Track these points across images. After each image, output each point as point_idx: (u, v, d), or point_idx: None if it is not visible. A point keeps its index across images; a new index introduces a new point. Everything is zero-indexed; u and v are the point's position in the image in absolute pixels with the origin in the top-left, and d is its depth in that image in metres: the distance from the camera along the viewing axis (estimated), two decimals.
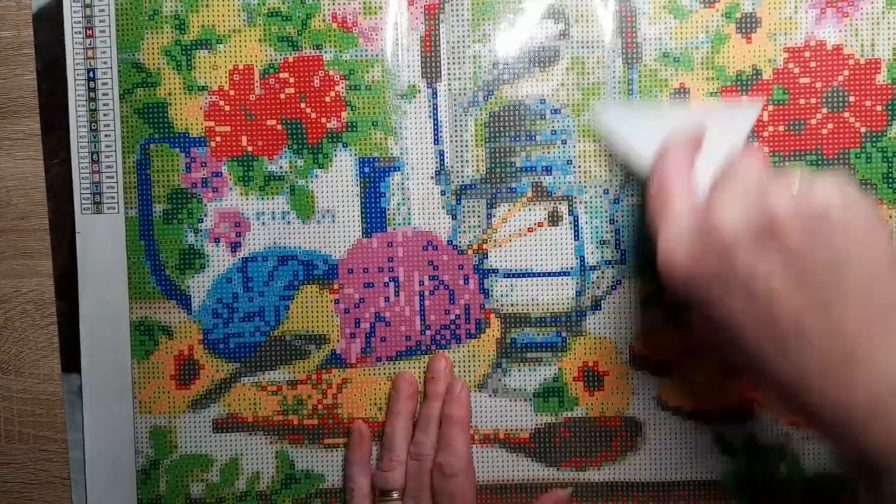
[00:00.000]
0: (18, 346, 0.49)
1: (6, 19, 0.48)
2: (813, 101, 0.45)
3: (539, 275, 0.47)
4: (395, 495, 0.45)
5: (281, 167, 0.47)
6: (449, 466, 0.44)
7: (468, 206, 0.47)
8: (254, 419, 0.47)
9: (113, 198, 0.47)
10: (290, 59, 0.46)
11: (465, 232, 0.47)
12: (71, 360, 0.48)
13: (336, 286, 0.47)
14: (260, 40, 0.46)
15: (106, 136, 0.47)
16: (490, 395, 0.47)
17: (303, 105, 0.46)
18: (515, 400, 0.47)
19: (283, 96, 0.46)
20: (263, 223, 0.47)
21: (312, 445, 0.47)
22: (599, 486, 0.47)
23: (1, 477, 0.49)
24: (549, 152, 0.46)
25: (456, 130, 0.46)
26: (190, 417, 0.47)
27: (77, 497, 0.48)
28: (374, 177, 0.47)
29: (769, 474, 0.46)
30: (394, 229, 0.47)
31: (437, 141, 0.47)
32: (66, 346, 0.48)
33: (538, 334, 0.47)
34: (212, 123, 0.47)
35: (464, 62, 0.46)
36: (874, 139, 0.45)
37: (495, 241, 0.47)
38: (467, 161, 0.47)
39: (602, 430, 0.47)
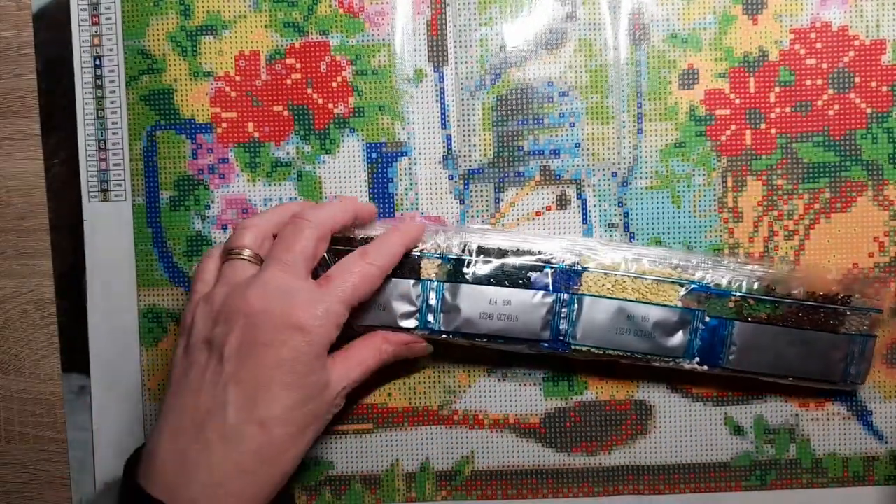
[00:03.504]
0: (18, 346, 0.48)
1: (6, 19, 0.48)
2: (819, 82, 0.46)
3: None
4: (245, 253, 0.41)
5: (288, 153, 0.47)
6: (372, 255, 0.41)
7: (476, 191, 0.47)
8: None
9: (120, 185, 0.47)
10: (297, 45, 0.46)
11: (473, 216, 0.47)
12: (71, 359, 0.48)
13: None
14: (266, 26, 0.46)
15: (113, 123, 0.47)
16: (500, 380, 0.47)
17: (309, 91, 0.46)
18: (525, 384, 0.47)
19: (289, 82, 0.46)
20: None
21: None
22: (610, 470, 0.47)
23: (1, 477, 0.49)
24: (557, 135, 0.46)
25: (463, 114, 0.46)
26: None
27: (78, 495, 0.48)
28: (382, 162, 0.47)
29: (779, 456, 0.46)
30: (402, 214, 0.47)
31: (444, 125, 0.46)
32: (66, 346, 0.48)
33: None
34: (218, 110, 0.47)
35: (471, 46, 0.46)
36: (880, 119, 0.46)
37: (503, 225, 0.47)
38: (475, 145, 0.46)
39: (612, 415, 0.47)
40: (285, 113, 0.46)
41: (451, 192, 0.47)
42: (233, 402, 0.37)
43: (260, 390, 0.37)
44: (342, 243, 0.43)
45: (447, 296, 0.43)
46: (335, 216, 0.42)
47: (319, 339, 0.38)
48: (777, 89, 0.46)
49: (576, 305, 0.43)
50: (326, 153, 0.47)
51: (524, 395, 0.47)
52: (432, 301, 0.43)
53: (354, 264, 0.40)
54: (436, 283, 0.43)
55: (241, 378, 0.37)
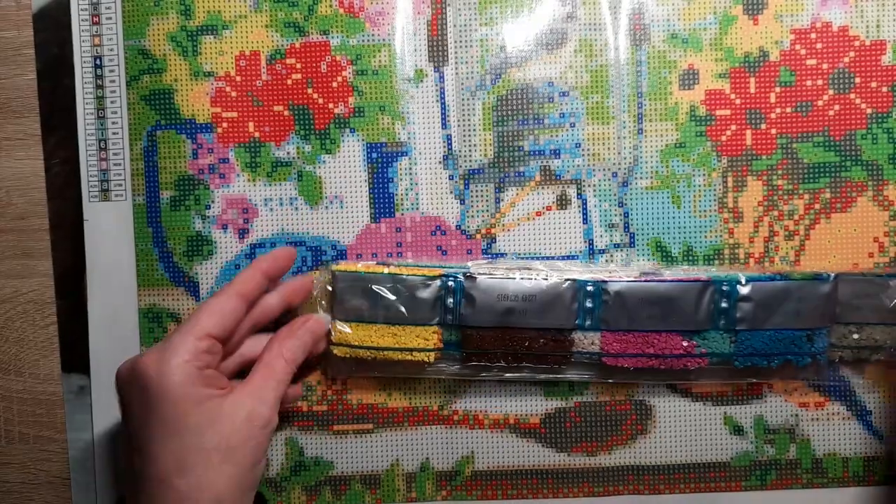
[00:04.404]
0: (18, 346, 0.48)
1: (6, 19, 0.48)
2: (819, 82, 0.46)
3: (548, 258, 0.47)
4: None
5: (288, 153, 0.47)
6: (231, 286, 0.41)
7: (476, 191, 0.47)
8: None
9: (120, 185, 0.47)
10: (297, 45, 0.46)
11: (473, 216, 0.47)
12: (71, 359, 0.48)
13: None
14: (266, 26, 0.46)
15: (113, 123, 0.47)
16: (500, 380, 0.47)
17: (310, 91, 0.46)
18: (525, 384, 0.47)
19: (289, 82, 0.46)
20: (271, 209, 0.47)
21: (322, 432, 0.47)
22: (610, 470, 0.47)
23: (1, 477, 0.49)
24: (557, 135, 0.46)
25: (463, 114, 0.46)
26: None
27: (78, 495, 0.48)
28: (382, 162, 0.47)
29: (779, 456, 0.46)
30: (402, 214, 0.47)
31: (444, 125, 0.46)
32: (66, 346, 0.48)
33: None
34: (218, 109, 0.46)
35: (471, 46, 0.46)
36: (880, 120, 0.46)
37: (503, 225, 0.47)
38: (475, 145, 0.46)
39: (612, 415, 0.47)
40: (286, 113, 0.46)
41: (451, 192, 0.47)
42: (136, 460, 0.38)
43: (147, 446, 0.38)
44: None
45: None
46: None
47: (174, 380, 0.37)
48: (777, 89, 0.46)
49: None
50: (327, 153, 0.47)
51: (524, 395, 0.47)
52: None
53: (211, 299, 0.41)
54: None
55: (131, 433, 0.38)
